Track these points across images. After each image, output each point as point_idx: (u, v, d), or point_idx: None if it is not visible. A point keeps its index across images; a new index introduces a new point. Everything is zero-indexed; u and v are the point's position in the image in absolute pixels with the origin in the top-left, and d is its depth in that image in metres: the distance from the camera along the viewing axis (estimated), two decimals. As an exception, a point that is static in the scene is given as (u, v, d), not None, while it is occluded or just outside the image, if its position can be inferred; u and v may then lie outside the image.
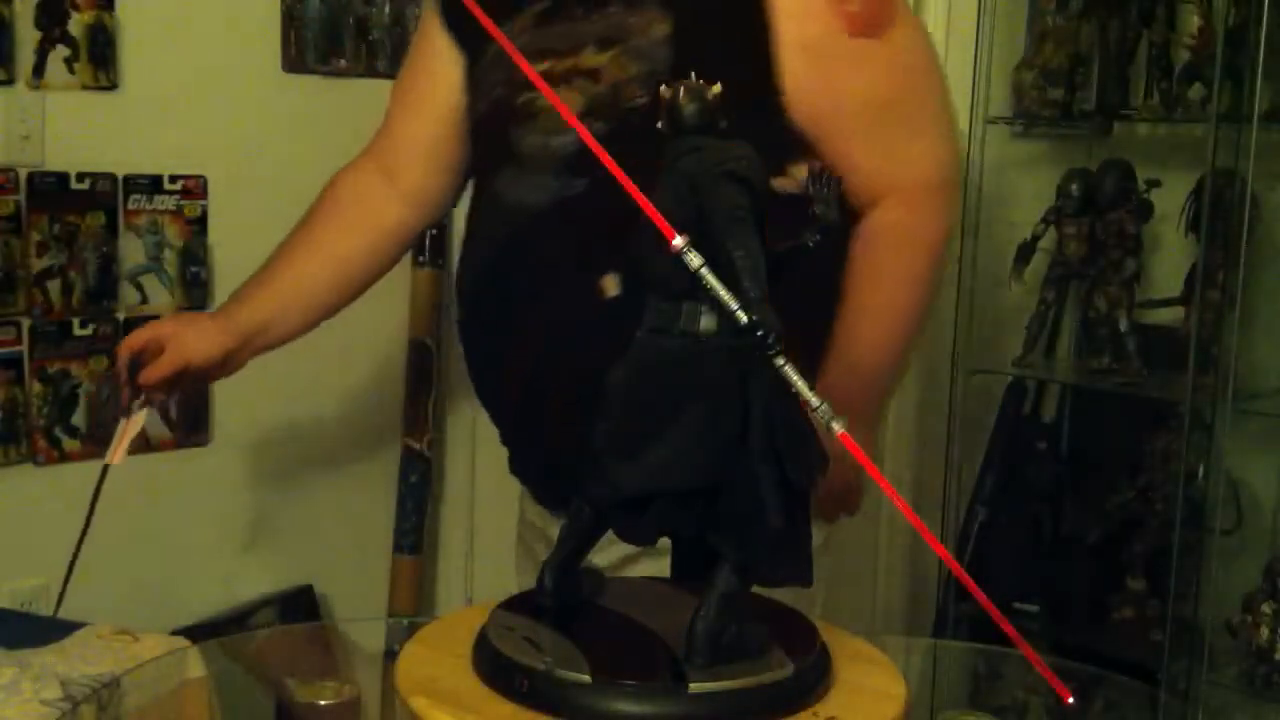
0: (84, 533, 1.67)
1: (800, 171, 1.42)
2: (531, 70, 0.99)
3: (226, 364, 1.61)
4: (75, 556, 1.67)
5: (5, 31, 2.02)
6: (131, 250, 2.21)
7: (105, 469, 1.63)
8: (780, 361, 0.80)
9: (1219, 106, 2.26)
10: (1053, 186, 2.60)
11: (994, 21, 2.60)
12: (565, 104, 1.35)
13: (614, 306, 1.29)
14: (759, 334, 0.79)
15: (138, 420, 1.60)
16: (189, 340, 1.57)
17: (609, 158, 0.87)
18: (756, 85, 1.37)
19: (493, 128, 1.45)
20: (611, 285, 1.29)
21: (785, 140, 1.38)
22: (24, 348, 2.11)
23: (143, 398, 1.59)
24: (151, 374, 1.56)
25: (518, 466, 1.56)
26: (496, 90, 1.45)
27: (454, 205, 1.71)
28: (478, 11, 0.99)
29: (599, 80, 1.36)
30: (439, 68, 1.55)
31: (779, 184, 1.42)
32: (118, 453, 1.61)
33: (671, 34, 1.36)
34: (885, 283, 1.47)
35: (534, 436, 1.45)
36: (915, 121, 1.46)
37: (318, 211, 1.66)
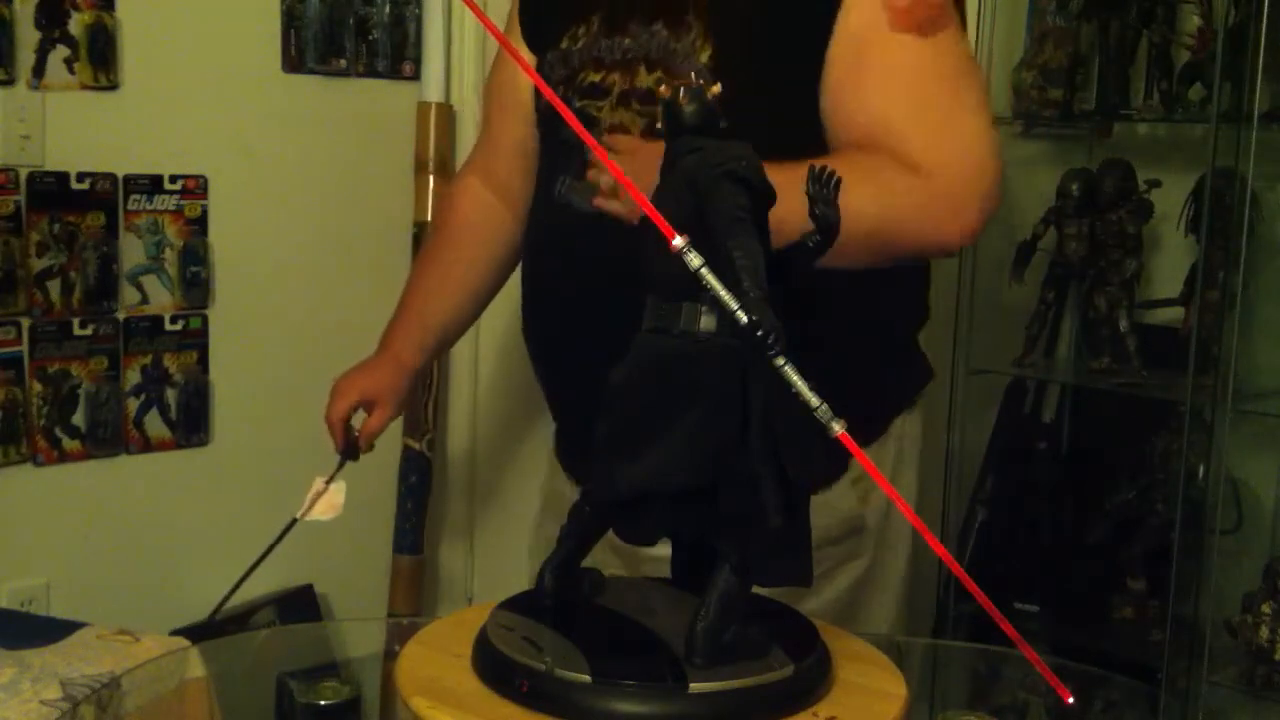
0: (248, 572, 1.75)
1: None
2: (547, 88, 1.01)
3: (407, 400, 1.74)
4: (235, 587, 1.78)
5: (5, 31, 2.02)
6: (131, 250, 2.21)
7: (293, 521, 1.68)
8: (780, 361, 0.79)
9: (1219, 106, 2.26)
10: (1053, 186, 2.59)
11: (994, 21, 2.59)
12: (626, 127, 1.40)
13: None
14: (759, 334, 0.79)
15: (341, 486, 1.68)
16: (384, 389, 1.68)
17: (609, 158, 0.87)
18: (800, 106, 1.37)
19: (554, 123, 1.48)
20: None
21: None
22: (24, 348, 2.11)
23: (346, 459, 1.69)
24: (375, 427, 1.69)
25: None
26: (558, 89, 1.47)
27: None
28: (487, 23, 0.99)
29: (653, 102, 1.37)
30: (521, 74, 1.57)
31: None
32: (312, 511, 1.68)
33: (714, 57, 1.37)
34: (861, 177, 1.17)
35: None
36: (948, 111, 1.37)
37: (449, 242, 1.74)
